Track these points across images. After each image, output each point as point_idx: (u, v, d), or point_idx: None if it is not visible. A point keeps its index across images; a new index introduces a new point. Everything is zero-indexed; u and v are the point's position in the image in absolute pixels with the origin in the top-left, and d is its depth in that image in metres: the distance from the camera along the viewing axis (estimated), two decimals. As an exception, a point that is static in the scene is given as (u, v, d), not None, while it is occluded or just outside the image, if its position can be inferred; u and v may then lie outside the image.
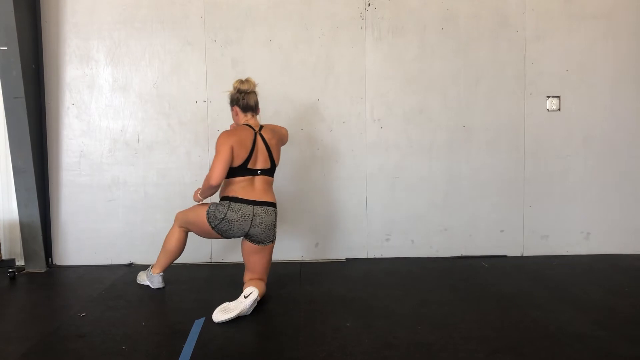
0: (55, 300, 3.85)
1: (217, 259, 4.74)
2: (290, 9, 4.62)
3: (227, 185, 3.59)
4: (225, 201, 3.52)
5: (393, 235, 4.80)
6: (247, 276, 3.65)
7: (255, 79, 4.58)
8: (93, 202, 4.65)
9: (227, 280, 4.18)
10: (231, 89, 3.68)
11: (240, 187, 3.52)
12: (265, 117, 4.66)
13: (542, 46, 4.72)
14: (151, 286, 3.94)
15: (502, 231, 4.82)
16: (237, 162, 3.47)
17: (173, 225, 3.85)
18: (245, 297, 3.31)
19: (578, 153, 4.79)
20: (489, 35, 4.71)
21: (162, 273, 3.92)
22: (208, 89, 4.63)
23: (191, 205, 3.86)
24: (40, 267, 4.55)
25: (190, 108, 4.64)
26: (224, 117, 4.64)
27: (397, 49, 4.68)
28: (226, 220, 3.47)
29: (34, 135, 4.44)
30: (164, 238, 3.94)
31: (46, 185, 4.63)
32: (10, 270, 4.37)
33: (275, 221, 3.62)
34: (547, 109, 4.75)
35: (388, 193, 4.75)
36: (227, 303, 3.32)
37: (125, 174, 4.65)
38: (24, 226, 4.51)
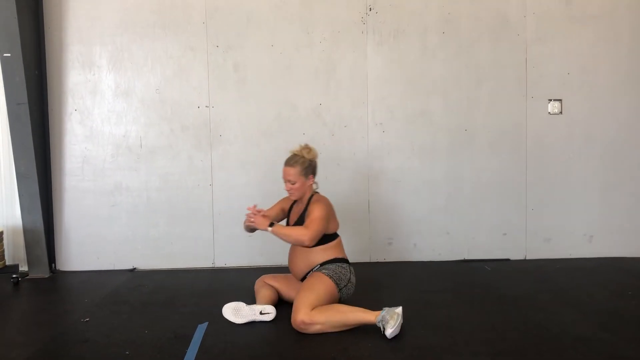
0: (59, 306, 3.85)
1: (220, 263, 4.74)
2: (292, 14, 4.63)
3: (331, 249, 3.45)
4: (344, 264, 3.44)
5: (395, 239, 4.80)
6: (272, 283, 3.64)
7: (256, 83, 4.64)
8: (96, 208, 4.66)
9: (230, 285, 4.18)
10: (304, 158, 3.49)
11: (342, 249, 3.52)
12: (266, 121, 4.68)
13: (543, 49, 4.72)
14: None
15: (504, 234, 4.81)
16: (335, 228, 3.49)
17: (311, 316, 3.10)
18: (261, 314, 3.28)
19: (580, 155, 4.79)
20: (489, 38, 4.71)
21: None
22: (210, 93, 4.64)
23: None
24: (43, 273, 4.56)
25: (192, 113, 4.65)
26: (226, 121, 4.66)
27: (398, 52, 4.69)
28: (350, 283, 3.41)
29: (37, 141, 4.45)
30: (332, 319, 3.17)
31: (49, 190, 4.64)
32: (13, 275, 4.38)
33: None
34: (549, 112, 4.75)
35: (390, 197, 4.75)
36: (243, 306, 3.30)
37: (127, 179, 4.66)
38: (27, 232, 4.52)
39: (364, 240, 4.74)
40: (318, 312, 3.10)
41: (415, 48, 4.69)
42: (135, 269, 4.69)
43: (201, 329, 3.19)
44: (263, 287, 3.59)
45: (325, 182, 4.73)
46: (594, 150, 4.79)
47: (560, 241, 4.83)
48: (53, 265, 4.67)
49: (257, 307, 3.29)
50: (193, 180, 4.68)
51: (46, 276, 4.55)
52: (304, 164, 3.46)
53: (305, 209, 3.46)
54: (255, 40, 4.64)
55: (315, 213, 3.33)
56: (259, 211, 3.39)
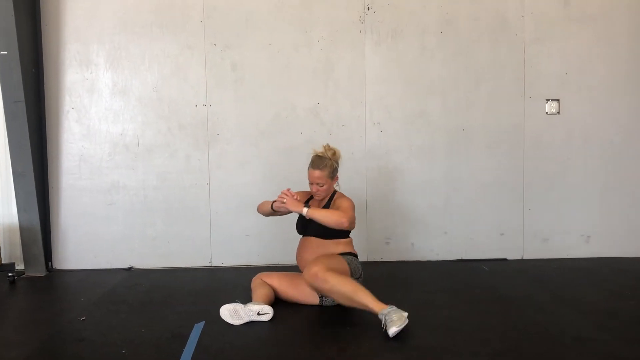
0: (55, 304, 3.84)
1: (217, 262, 4.74)
2: (290, 13, 4.63)
3: (345, 244, 3.59)
4: (356, 259, 3.61)
5: (393, 239, 4.79)
6: (271, 281, 3.62)
7: (254, 82, 4.64)
8: (93, 206, 4.65)
9: (227, 285, 4.17)
10: (330, 160, 3.56)
11: (353, 247, 3.67)
12: (264, 121, 4.67)
13: (541, 49, 4.73)
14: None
15: (502, 234, 4.82)
16: (353, 226, 3.52)
17: (325, 272, 3.21)
18: (259, 314, 3.26)
19: (578, 155, 4.79)
20: (488, 39, 4.71)
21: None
22: (208, 92, 4.63)
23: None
24: (40, 271, 4.55)
25: (189, 112, 4.64)
26: (224, 121, 4.65)
27: (396, 52, 4.69)
28: (361, 278, 3.56)
29: (34, 139, 4.44)
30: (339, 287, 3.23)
31: (46, 189, 4.63)
32: (10, 274, 4.36)
33: None
34: (547, 112, 4.75)
35: (388, 196, 4.75)
36: (240, 307, 3.25)
37: (125, 177, 4.65)
38: (23, 230, 4.50)
39: (362, 239, 4.73)
40: (333, 274, 3.21)
41: (414, 48, 4.69)
42: (132, 268, 4.68)
43: (198, 328, 3.18)
44: (260, 285, 3.57)
45: (323, 182, 4.74)
46: (592, 151, 4.80)
47: (557, 241, 4.83)
48: (50, 263, 4.66)
49: (254, 308, 3.27)
50: (190, 179, 4.67)
51: (43, 275, 4.53)
52: (331, 166, 3.55)
53: (328, 204, 3.58)
54: (253, 40, 4.63)
55: (345, 204, 3.47)
56: (292, 195, 3.46)
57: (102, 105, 4.62)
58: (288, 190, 3.48)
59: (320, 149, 3.62)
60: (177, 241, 4.70)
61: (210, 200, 4.69)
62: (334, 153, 3.60)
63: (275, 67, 4.65)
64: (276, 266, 4.63)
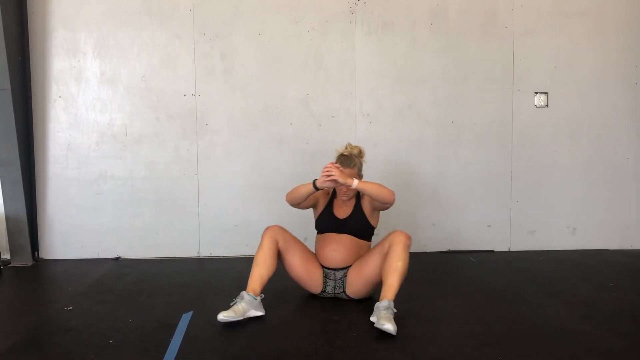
0: (42, 295, 3.82)
1: (205, 253, 4.73)
2: (280, 3, 4.60)
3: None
4: None
5: (381, 230, 4.78)
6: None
7: (244, 72, 4.62)
8: (80, 196, 4.62)
9: (215, 274, 4.17)
10: (358, 159, 3.48)
11: None
12: (254, 111, 4.65)
13: (530, 42, 4.74)
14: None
15: (489, 226, 4.85)
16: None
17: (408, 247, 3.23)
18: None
19: (565, 149, 4.83)
20: (478, 31, 4.72)
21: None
22: (197, 82, 4.60)
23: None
24: (26, 261, 4.52)
25: (178, 101, 4.61)
26: (213, 111, 4.62)
27: (386, 44, 4.68)
28: None
29: (20, 128, 4.39)
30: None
31: (32, 178, 4.58)
32: (-5, 264, 4.33)
33: None
34: (535, 105, 4.78)
35: (377, 188, 4.75)
36: (233, 316, 3.08)
37: (112, 167, 4.62)
38: (9, 220, 4.47)
39: (350, 231, 4.75)
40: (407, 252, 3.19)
41: (404, 40, 4.69)
42: (119, 258, 4.66)
43: (186, 318, 3.18)
44: (267, 256, 3.30)
45: (312, 173, 4.73)
46: (579, 144, 4.83)
47: (544, 233, 4.88)
48: (36, 253, 4.63)
49: (249, 314, 3.13)
50: (179, 169, 4.65)
51: (29, 264, 4.50)
52: (360, 164, 3.47)
53: (357, 203, 3.48)
54: (243, 29, 4.60)
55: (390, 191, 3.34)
56: (338, 167, 3.24)
57: (89, 94, 4.58)
58: (332, 163, 3.26)
59: (341, 148, 3.50)
60: (166, 231, 4.68)
61: (198, 191, 4.68)
62: (360, 151, 3.50)
63: (265, 57, 4.63)
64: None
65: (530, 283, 3.91)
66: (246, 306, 3.12)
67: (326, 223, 3.50)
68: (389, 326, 2.85)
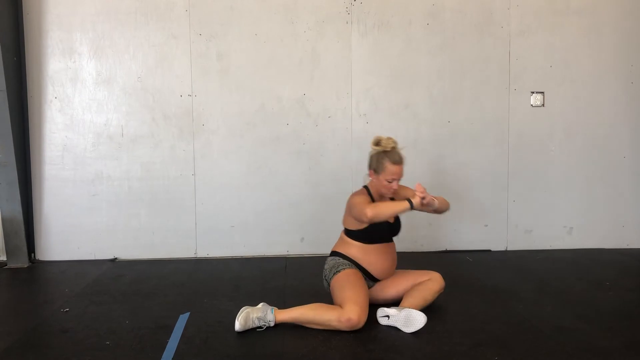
0: (38, 296, 3.81)
1: (202, 254, 4.72)
2: (276, 3, 4.60)
3: None
4: None
5: (378, 230, 4.80)
6: None
7: (240, 72, 4.61)
8: (76, 197, 4.60)
9: (212, 276, 4.16)
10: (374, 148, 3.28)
11: None
12: (250, 111, 4.65)
13: (526, 42, 4.75)
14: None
15: (486, 226, 4.86)
16: None
17: None
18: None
19: (561, 148, 4.84)
20: (474, 31, 4.72)
21: None
22: (193, 82, 4.60)
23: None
24: (22, 263, 4.50)
25: (174, 102, 4.60)
26: (209, 111, 4.62)
27: (382, 44, 4.68)
28: None
29: (15, 129, 4.38)
30: None
31: (28, 179, 4.57)
32: (-9, 265, 4.32)
33: (325, 267, 3.38)
34: (532, 105, 4.79)
35: (373, 188, 4.75)
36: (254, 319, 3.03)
37: (108, 168, 4.61)
38: (5, 221, 4.45)
39: (347, 231, 4.75)
40: None
41: (400, 39, 4.69)
42: (116, 258, 4.65)
43: (183, 319, 3.18)
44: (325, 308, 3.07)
45: (309, 173, 4.74)
46: (575, 143, 4.84)
47: (540, 233, 4.88)
48: (32, 254, 4.61)
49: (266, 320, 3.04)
50: (175, 169, 4.64)
51: (25, 266, 4.49)
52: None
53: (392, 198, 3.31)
54: (239, 30, 4.60)
55: (412, 190, 3.24)
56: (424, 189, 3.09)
57: (85, 95, 4.57)
58: (420, 185, 3.10)
59: (377, 145, 3.25)
60: (162, 232, 4.68)
61: (195, 191, 4.67)
62: (395, 141, 3.26)
63: (261, 57, 4.63)
64: (261, 257, 4.63)
65: (527, 282, 3.91)
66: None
67: (383, 230, 3.28)
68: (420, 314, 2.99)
